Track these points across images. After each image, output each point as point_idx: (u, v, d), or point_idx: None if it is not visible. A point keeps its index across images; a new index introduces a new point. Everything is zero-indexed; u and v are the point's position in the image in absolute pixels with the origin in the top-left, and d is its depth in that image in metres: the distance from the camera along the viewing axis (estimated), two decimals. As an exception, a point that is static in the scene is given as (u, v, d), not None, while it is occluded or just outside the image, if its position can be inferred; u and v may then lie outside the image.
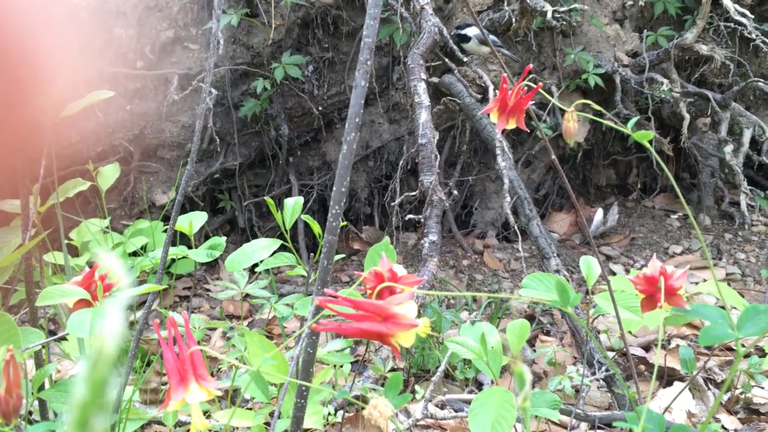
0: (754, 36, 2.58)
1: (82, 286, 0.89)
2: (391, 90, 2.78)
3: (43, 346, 1.21)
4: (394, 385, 0.89)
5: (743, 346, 0.67)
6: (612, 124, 0.90)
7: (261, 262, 1.27)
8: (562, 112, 1.45)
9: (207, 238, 2.23)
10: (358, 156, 2.86)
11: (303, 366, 0.97)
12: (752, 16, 2.60)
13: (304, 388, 0.96)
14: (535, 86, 0.91)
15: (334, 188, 0.91)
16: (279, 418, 0.98)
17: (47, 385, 1.19)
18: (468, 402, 1.71)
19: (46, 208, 1.33)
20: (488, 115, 1.05)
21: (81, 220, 1.93)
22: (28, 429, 1.05)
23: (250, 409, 1.54)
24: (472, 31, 2.42)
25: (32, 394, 1.15)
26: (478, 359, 1.21)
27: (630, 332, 2.08)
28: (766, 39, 2.60)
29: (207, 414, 1.38)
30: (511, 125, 0.91)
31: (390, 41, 2.65)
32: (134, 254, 2.20)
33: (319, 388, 1.02)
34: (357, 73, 0.85)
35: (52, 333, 2.03)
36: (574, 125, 0.87)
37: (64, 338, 1.49)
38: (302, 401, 0.99)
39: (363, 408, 0.72)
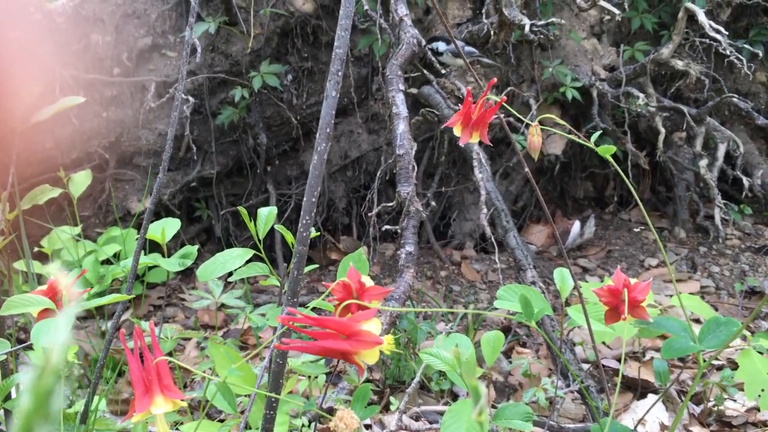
0: (728, 52, 2.62)
1: (47, 296, 0.88)
2: (370, 100, 2.78)
3: (10, 355, 1.19)
4: (361, 397, 0.88)
5: (717, 359, 0.68)
6: (577, 139, 0.90)
7: (234, 271, 1.26)
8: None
9: (183, 246, 2.22)
10: (337, 166, 2.86)
11: (273, 377, 0.96)
12: (727, 33, 2.63)
13: (273, 399, 0.95)
14: (499, 99, 0.91)
15: (305, 198, 0.91)
16: (248, 428, 0.97)
17: (14, 395, 1.17)
18: (443, 413, 1.70)
19: (14, 215, 1.32)
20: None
21: (52, 227, 1.90)
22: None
23: (223, 420, 1.53)
24: (443, 46, 2.42)
25: (-2, 404, 1.13)
26: (451, 371, 1.20)
27: (605, 344, 2.09)
28: (740, 55, 2.63)
29: (178, 425, 1.37)
30: (475, 139, 0.91)
31: (369, 52, 2.65)
32: (107, 262, 2.19)
33: (287, 400, 1.01)
34: (328, 83, 0.85)
35: (23, 342, 2.00)
36: (538, 139, 0.87)
37: (29, 347, 1.47)
38: (272, 413, 0.98)
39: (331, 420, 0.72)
